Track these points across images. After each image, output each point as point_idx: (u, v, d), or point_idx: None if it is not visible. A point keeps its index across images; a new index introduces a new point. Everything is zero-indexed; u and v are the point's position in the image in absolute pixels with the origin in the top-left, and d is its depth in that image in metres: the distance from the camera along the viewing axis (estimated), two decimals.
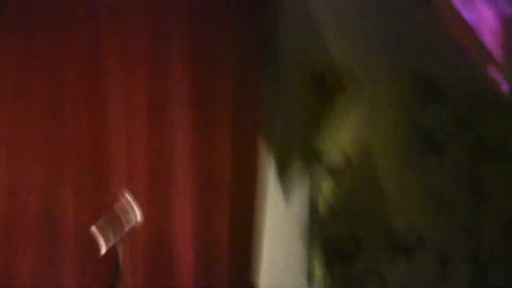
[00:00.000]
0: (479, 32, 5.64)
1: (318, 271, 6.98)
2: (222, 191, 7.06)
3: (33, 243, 6.63)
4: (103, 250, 5.79)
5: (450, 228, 7.44)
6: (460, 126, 7.57)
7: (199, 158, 7.12)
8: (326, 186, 7.02)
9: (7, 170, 6.77)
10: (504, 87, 5.71)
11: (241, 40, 7.34)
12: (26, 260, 6.63)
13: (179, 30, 7.37)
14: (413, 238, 7.26)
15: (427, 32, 6.93)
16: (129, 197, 5.90)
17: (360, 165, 7.16)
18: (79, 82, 6.90)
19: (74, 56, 6.88)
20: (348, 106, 7.18)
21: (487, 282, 7.55)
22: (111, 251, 5.77)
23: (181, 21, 7.32)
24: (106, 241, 5.84)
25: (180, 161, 7.10)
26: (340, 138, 7.08)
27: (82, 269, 6.61)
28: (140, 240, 6.74)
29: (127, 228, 5.79)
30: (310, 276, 7.01)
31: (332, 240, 7.00)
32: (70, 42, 6.89)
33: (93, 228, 5.67)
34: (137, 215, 5.81)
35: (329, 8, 7.27)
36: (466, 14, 5.62)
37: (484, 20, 5.59)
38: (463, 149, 7.53)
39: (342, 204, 7.08)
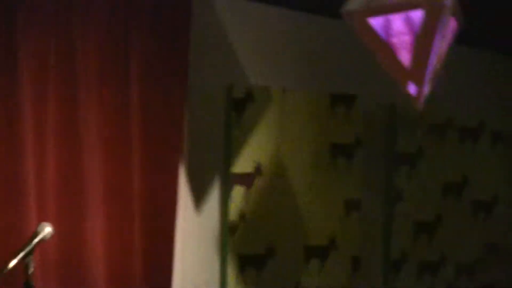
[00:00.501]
0: (397, 52, 5.40)
1: (231, 276, 6.97)
2: (134, 205, 6.74)
3: None
4: (11, 264, 5.10)
5: (361, 228, 7.69)
6: (372, 135, 7.97)
7: (112, 174, 6.78)
8: (237, 193, 7.00)
9: None
10: (419, 103, 5.47)
11: (156, 56, 6.99)
12: None
13: (88, 51, 6.81)
14: (325, 240, 7.43)
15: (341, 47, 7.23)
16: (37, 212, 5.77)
17: (271, 171, 7.29)
18: None
19: None
20: (258, 115, 7.30)
21: (399, 279, 7.91)
22: (21, 266, 5.10)
23: (91, 44, 6.73)
24: (14, 255, 5.18)
25: (92, 176, 6.71)
26: (250, 147, 7.16)
27: None
28: (52, 255, 6.29)
29: (35, 241, 5.19)
30: (223, 282, 7.00)
31: (244, 246, 7.00)
32: None
33: None
34: (46, 229, 5.24)
35: (242, 25, 7.26)
36: (384, 34, 5.40)
37: (401, 39, 5.39)
38: (375, 155, 7.92)
39: (253, 210, 7.09)
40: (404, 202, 8.31)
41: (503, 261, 9.59)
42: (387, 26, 5.31)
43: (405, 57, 5.29)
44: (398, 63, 5.31)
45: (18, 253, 4.96)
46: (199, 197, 7.04)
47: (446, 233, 8.84)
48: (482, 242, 9.40)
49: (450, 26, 5.32)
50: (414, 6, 5.19)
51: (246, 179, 7.07)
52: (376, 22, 5.28)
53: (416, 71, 5.29)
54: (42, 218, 5.82)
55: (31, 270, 4.97)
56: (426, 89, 5.37)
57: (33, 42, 6.42)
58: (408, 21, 5.27)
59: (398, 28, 5.30)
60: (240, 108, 7.17)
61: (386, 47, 5.30)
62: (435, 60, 5.31)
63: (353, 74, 7.53)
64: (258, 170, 7.12)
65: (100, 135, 6.68)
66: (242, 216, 7.02)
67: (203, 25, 7.03)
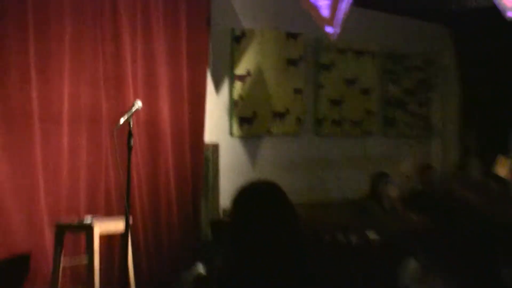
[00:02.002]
0: (319, 9, 6.07)
1: (235, 128, 8.18)
2: (184, 93, 7.59)
3: None
4: (121, 121, 5.70)
5: (302, 103, 8.64)
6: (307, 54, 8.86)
7: (172, 78, 7.53)
8: (237, 85, 8.20)
9: None
10: (332, 38, 6.34)
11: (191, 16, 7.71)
12: None
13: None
14: (283, 109, 8.59)
15: None
16: None
17: (255, 74, 8.32)
18: None
19: None
20: (247, 44, 8.33)
21: (322, 128, 8.93)
22: (126, 123, 5.73)
23: None
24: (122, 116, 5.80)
25: (162, 81, 7.39)
26: (244, 60, 8.33)
27: None
28: (141, 118, 6.96)
29: (134, 109, 5.79)
30: (230, 132, 8.11)
31: (241, 112, 8.21)
32: None
33: None
34: (139, 103, 5.88)
35: None
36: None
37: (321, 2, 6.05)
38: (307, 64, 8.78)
39: (246, 94, 8.21)
40: (324, 88, 9.20)
41: None
42: None
43: (324, 12, 6.14)
44: (321, 15, 6.16)
45: (124, 116, 5.61)
46: (217, 86, 8.11)
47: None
48: None
49: None
50: None
51: (242, 78, 8.22)
52: None
53: (330, 20, 6.16)
54: (137, 97, 6.57)
55: (131, 126, 5.62)
56: (336, 30, 6.23)
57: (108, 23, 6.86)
58: None
59: None
60: (238, 40, 8.22)
61: (314, 8, 6.17)
62: (341, 14, 6.10)
63: (301, 19, 7.99)
64: (248, 73, 8.27)
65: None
66: (240, 97, 8.20)
67: None
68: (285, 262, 2.78)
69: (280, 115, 8.71)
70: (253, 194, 2.90)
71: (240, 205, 2.88)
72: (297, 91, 8.88)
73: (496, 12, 6.48)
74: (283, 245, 2.80)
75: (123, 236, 5.92)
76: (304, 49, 8.96)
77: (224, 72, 8.18)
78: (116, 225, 6.14)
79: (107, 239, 6.23)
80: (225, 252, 3.07)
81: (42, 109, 6.34)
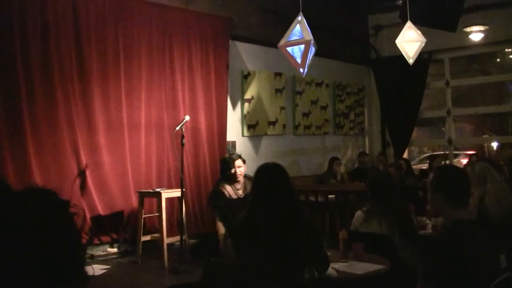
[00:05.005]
0: (296, 59, 5.52)
1: (245, 129, 7.73)
2: (212, 104, 7.25)
3: None
4: (177, 128, 5.68)
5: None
6: (288, 86, 8.38)
7: (198, 94, 7.20)
8: (246, 106, 7.79)
9: None
10: (303, 73, 5.70)
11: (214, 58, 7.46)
12: None
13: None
14: (274, 119, 8.00)
15: None
16: None
17: (257, 98, 7.89)
18: None
19: None
20: (251, 80, 7.76)
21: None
22: (179, 132, 5.64)
23: None
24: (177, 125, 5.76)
25: (199, 98, 7.13)
26: (249, 90, 7.79)
27: None
28: (189, 126, 6.49)
29: (184, 120, 5.67)
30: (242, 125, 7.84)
31: (249, 118, 7.64)
32: None
33: None
34: (187, 117, 5.81)
35: None
36: (291, 53, 5.53)
37: (296, 55, 5.53)
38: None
39: (251, 111, 7.69)
40: (298, 106, 8.75)
41: None
42: (292, 50, 5.58)
43: (297, 60, 5.57)
44: (296, 62, 5.59)
45: (178, 125, 5.59)
46: (234, 106, 7.82)
47: None
48: None
49: (313, 48, 5.49)
50: (302, 43, 5.43)
51: (248, 100, 7.96)
52: (288, 49, 5.59)
53: (301, 65, 5.57)
54: (186, 113, 6.37)
55: (183, 131, 5.60)
56: (305, 71, 5.63)
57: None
58: (292, 50, 5.55)
59: (295, 51, 5.57)
60: (246, 77, 7.97)
61: (292, 57, 5.60)
62: (308, 61, 5.56)
63: (284, 64, 6.98)
64: (252, 97, 7.98)
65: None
66: (247, 112, 7.88)
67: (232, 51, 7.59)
68: (296, 205, 2.96)
69: (272, 123, 8.51)
70: (269, 168, 3.10)
71: (262, 173, 3.05)
72: (282, 108, 8.68)
73: (402, 58, 6.26)
74: (294, 197, 3.00)
75: (179, 200, 5.89)
76: (286, 82, 8.73)
77: (238, 97, 7.99)
78: (175, 193, 6.07)
79: (169, 201, 6.09)
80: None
81: (128, 121, 6.38)
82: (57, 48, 5.62)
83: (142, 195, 6.03)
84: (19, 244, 1.02)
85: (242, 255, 2.81)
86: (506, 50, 10.16)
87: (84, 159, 5.81)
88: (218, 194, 5.15)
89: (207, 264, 2.85)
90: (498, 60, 11.15)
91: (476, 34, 8.87)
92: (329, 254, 3.12)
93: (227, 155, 5.99)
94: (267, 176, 2.98)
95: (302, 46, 5.52)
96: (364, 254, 3.47)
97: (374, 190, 4.16)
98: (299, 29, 5.53)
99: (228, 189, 5.17)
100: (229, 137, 7.62)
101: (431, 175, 2.47)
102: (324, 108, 9.56)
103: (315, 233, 2.96)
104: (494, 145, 12.15)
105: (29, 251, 1.02)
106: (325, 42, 7.16)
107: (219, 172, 5.55)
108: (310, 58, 5.61)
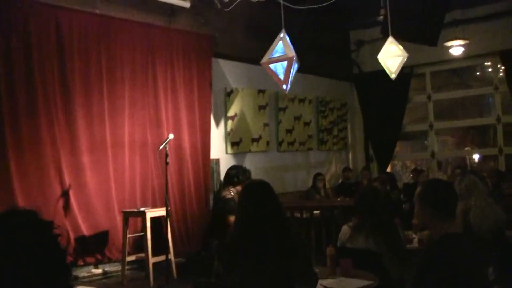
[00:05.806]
0: (279, 76, 5.58)
1: (230, 146, 7.56)
2: (196, 124, 7.16)
3: None
4: (161, 145, 5.55)
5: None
6: (271, 102, 8.30)
7: (186, 114, 7.10)
8: (229, 123, 7.64)
9: None
10: (286, 92, 5.79)
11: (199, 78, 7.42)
12: None
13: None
14: (259, 135, 7.93)
15: None
16: None
17: (240, 113, 7.81)
18: None
19: None
20: (234, 98, 7.68)
21: None
22: (163, 150, 5.51)
23: None
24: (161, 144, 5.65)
25: (183, 118, 7.02)
26: (233, 108, 7.73)
27: None
28: (173, 144, 6.40)
29: (168, 139, 5.53)
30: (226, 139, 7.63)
31: (232, 136, 7.50)
32: None
33: None
34: (171, 135, 5.68)
35: None
36: (274, 69, 5.60)
37: (279, 71, 5.57)
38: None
39: (235, 128, 7.59)
40: (282, 122, 8.67)
41: None
42: (275, 67, 5.66)
43: (280, 77, 5.64)
44: (279, 78, 5.67)
45: (162, 143, 5.44)
46: (217, 123, 7.73)
47: None
48: None
49: (295, 65, 5.55)
50: (285, 59, 5.51)
51: (232, 117, 7.88)
52: (271, 66, 5.66)
53: (284, 81, 5.66)
54: (169, 131, 6.37)
55: (167, 149, 5.46)
56: (288, 87, 5.68)
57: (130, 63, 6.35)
58: (275, 66, 5.69)
59: (278, 68, 5.65)
60: (229, 95, 7.92)
61: (274, 74, 5.68)
62: (290, 77, 5.64)
63: (267, 80, 7.21)
64: (236, 114, 7.92)
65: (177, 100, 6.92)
66: (231, 129, 7.79)
67: (215, 70, 7.53)
68: (282, 221, 2.92)
69: (256, 140, 8.46)
70: (256, 185, 3.09)
71: (247, 191, 3.05)
72: (266, 124, 8.65)
73: (384, 73, 6.28)
74: (282, 213, 2.96)
75: (164, 219, 5.85)
76: (269, 99, 8.72)
77: (221, 114, 7.92)
78: (160, 212, 6.06)
79: (154, 220, 6.06)
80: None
81: (112, 140, 6.36)
82: (40, 68, 5.63)
83: (126, 215, 6.00)
84: (3, 266, 1.02)
85: (231, 273, 2.77)
86: (486, 63, 10.12)
87: (67, 179, 5.77)
88: (226, 200, 5.43)
89: (195, 284, 2.79)
90: (478, 73, 11.30)
91: (456, 48, 8.98)
92: (317, 270, 3.11)
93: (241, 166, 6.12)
94: (254, 195, 2.96)
95: (285, 63, 5.58)
96: (352, 270, 3.47)
97: (361, 205, 4.12)
98: (282, 46, 5.57)
99: (233, 191, 5.51)
100: (213, 155, 7.53)
101: (418, 189, 2.47)
102: (307, 124, 9.50)
103: (304, 250, 2.96)
104: (476, 157, 12.26)
105: (13, 273, 1.03)
106: (308, 58, 7.19)
107: (225, 175, 5.76)
108: (293, 74, 5.68)
